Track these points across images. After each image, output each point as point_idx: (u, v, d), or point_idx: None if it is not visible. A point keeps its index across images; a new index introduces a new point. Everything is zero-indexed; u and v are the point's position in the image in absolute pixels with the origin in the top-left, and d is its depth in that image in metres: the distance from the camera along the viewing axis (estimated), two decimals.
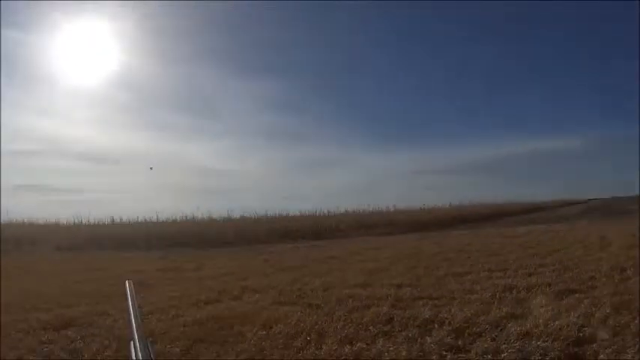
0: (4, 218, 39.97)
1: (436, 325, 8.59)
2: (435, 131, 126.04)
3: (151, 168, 65.91)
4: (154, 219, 47.04)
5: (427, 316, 9.17)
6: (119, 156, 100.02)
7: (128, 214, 47.40)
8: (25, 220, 43.21)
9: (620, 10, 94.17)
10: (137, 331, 2.32)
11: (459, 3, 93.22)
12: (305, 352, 7.76)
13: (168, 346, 8.29)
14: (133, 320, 2.45)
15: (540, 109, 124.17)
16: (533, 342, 7.33)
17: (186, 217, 47.95)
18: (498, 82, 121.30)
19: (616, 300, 9.57)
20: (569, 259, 15.51)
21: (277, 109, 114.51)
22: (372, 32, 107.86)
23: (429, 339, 7.82)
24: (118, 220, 46.64)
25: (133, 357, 2.15)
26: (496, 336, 7.83)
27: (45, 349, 8.58)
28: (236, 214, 50.20)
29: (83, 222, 45.39)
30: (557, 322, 8.18)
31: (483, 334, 7.98)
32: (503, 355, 6.96)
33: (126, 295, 2.87)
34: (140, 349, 2.11)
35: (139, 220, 47.18)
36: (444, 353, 7.24)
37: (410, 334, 8.17)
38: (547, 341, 7.29)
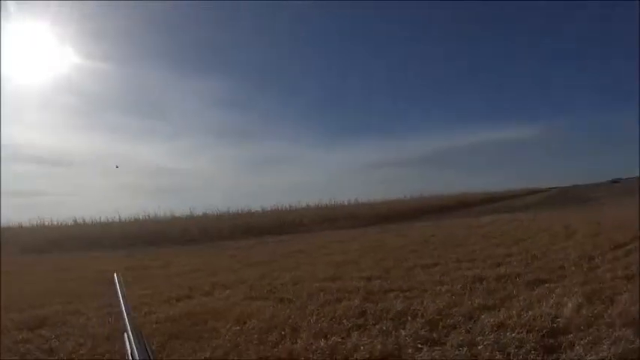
0: None
1: (409, 318, 8.55)
2: (386, 125, 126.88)
3: (117, 166, 65.49)
4: (116, 219, 46.73)
5: (400, 309, 9.13)
6: (72, 158, 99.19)
7: (89, 215, 46.99)
8: None
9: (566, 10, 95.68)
10: (129, 322, 2.26)
11: (400, 3, 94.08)
12: (280, 346, 7.66)
13: None
14: (125, 312, 2.39)
15: (493, 101, 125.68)
16: (508, 333, 7.31)
17: (148, 215, 47.72)
18: (449, 76, 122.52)
19: (587, 289, 9.63)
20: (536, 249, 15.60)
21: (225, 108, 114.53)
22: (315, 31, 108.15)
23: (403, 332, 7.77)
24: (81, 222, 46.16)
25: (128, 348, 2.09)
26: (470, 328, 7.81)
27: (21, 349, 8.47)
28: (198, 212, 50.02)
29: (46, 224, 44.93)
30: (530, 313, 8.20)
31: (457, 326, 7.95)
32: (479, 348, 6.93)
33: (115, 287, 2.81)
34: (134, 340, 2.05)
35: (102, 220, 46.83)
36: (420, 346, 7.18)
37: (384, 327, 8.12)
38: (522, 333, 7.26)
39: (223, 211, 50.62)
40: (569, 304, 8.56)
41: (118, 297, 2.64)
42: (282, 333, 8.24)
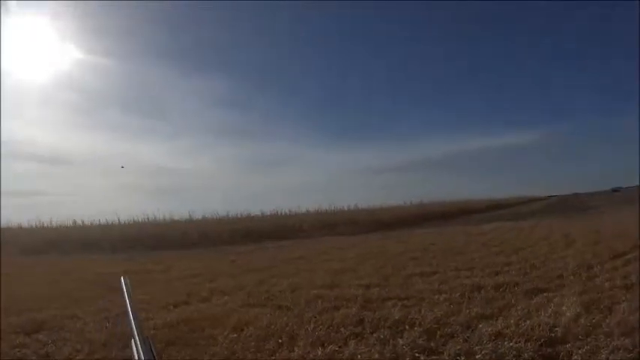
0: None
1: (407, 327, 8.54)
2: (387, 129, 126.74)
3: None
4: (116, 221, 46.60)
5: (397, 317, 9.11)
6: (72, 157, 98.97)
7: (88, 216, 46.84)
8: None
9: (566, 10, 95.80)
10: (137, 328, 2.24)
11: (402, 4, 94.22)
12: (277, 354, 7.66)
13: None
14: (132, 318, 2.37)
15: (494, 106, 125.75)
16: (506, 343, 7.30)
17: (147, 218, 47.55)
18: (450, 81, 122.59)
19: (585, 298, 9.61)
20: (535, 258, 15.59)
21: (225, 108, 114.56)
22: (316, 31, 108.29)
23: (401, 340, 7.76)
24: (80, 223, 46.03)
25: (135, 356, 2.08)
26: (468, 337, 7.80)
27: (18, 353, 8.46)
28: (197, 215, 49.88)
29: (45, 225, 44.79)
30: (528, 322, 8.18)
31: (455, 335, 7.94)
32: (477, 357, 6.91)
33: (122, 292, 2.78)
34: (142, 347, 2.04)
35: (101, 222, 46.70)
36: (417, 355, 7.17)
37: (381, 336, 8.10)
38: (520, 342, 7.25)
39: (223, 215, 50.60)
40: (568, 314, 8.55)
41: (125, 302, 2.61)
42: (280, 341, 8.23)
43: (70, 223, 45.62)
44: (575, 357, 6.65)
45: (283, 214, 53.29)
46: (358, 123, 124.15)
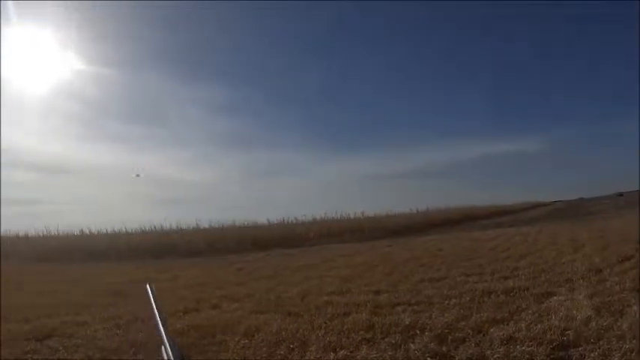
0: None
1: (418, 331, 8.55)
2: (392, 137, 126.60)
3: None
4: (122, 230, 46.57)
5: (408, 322, 9.12)
6: (75, 166, 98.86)
7: (95, 225, 46.82)
8: None
9: (567, 10, 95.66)
10: (166, 335, 2.26)
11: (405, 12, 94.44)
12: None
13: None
14: (161, 325, 2.39)
15: (497, 113, 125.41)
16: (518, 347, 7.31)
17: (154, 227, 47.49)
18: (455, 88, 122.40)
19: (596, 301, 9.60)
20: (544, 262, 15.56)
21: (229, 116, 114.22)
22: (321, 39, 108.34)
23: (412, 345, 7.77)
24: (87, 232, 46.01)
25: None
26: (479, 341, 7.81)
27: (30, 359, 8.50)
28: (204, 224, 49.77)
29: (52, 234, 44.76)
30: (539, 326, 8.19)
31: (467, 340, 7.95)
32: None
33: (148, 298, 2.81)
34: (172, 354, 2.07)
35: (107, 231, 46.68)
36: (429, 359, 7.19)
37: (393, 341, 8.12)
38: (532, 346, 7.26)
39: (229, 224, 50.51)
40: (579, 317, 8.55)
41: (152, 308, 2.65)
42: (291, 346, 8.26)
43: (76, 231, 45.65)
44: None
45: (289, 222, 53.16)
46: (363, 130, 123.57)
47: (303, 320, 9.97)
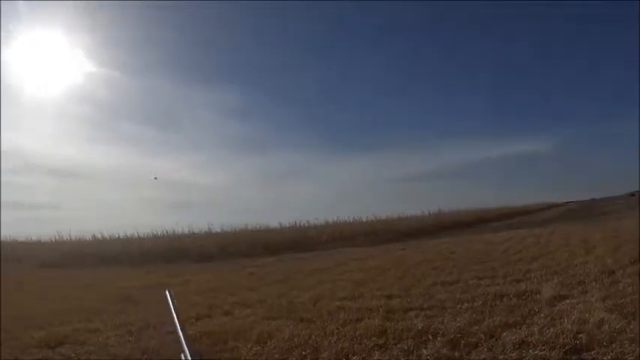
0: None
1: (430, 337, 8.54)
2: (404, 139, 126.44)
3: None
4: (134, 234, 46.60)
5: (420, 327, 9.11)
6: (88, 171, 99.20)
7: (107, 230, 46.86)
8: (6, 238, 42.60)
9: (579, 10, 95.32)
10: (186, 341, 2.29)
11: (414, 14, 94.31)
12: None
13: None
14: (180, 332, 2.42)
15: (509, 114, 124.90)
16: (531, 351, 7.30)
17: (166, 231, 47.49)
18: (462, 88, 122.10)
19: (609, 304, 9.58)
20: (556, 264, 15.51)
21: (241, 119, 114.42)
22: (333, 42, 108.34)
23: (425, 351, 7.79)
24: (99, 237, 46.05)
25: None
26: (492, 346, 7.80)
27: None
28: (216, 228, 49.72)
29: (64, 239, 44.81)
30: (552, 330, 8.17)
31: (479, 345, 7.94)
32: None
33: (167, 304, 2.84)
34: (191, 357, 2.09)
35: (120, 236, 46.70)
36: None
37: (405, 347, 8.12)
38: (544, 350, 7.26)
39: (241, 228, 50.46)
40: (591, 320, 8.52)
41: (171, 315, 2.68)
42: (303, 353, 8.26)
43: (88, 236, 45.73)
44: None
45: (301, 226, 53.07)
46: (374, 133, 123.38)
47: (316, 326, 9.96)
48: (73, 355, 9.14)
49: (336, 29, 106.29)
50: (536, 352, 7.23)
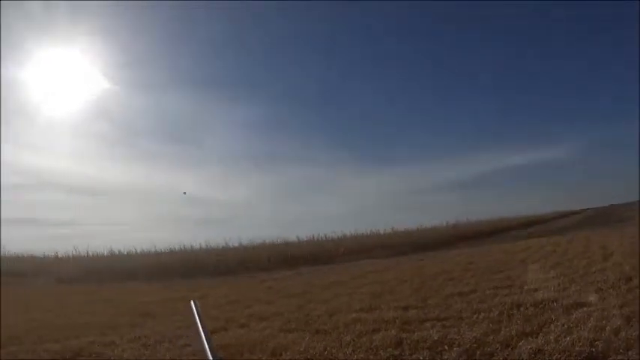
0: (3, 251, 39.76)
1: (446, 347, 8.54)
2: (421, 150, 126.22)
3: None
4: (152, 250, 46.70)
5: (436, 338, 9.11)
6: (107, 187, 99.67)
7: (125, 246, 47.02)
8: (24, 254, 42.84)
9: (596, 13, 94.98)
10: (211, 352, 2.31)
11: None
12: None
13: None
14: (205, 341, 2.44)
15: (524, 123, 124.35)
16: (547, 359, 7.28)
17: (184, 246, 47.55)
18: (482, 101, 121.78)
19: (626, 311, 9.52)
20: (574, 272, 15.41)
21: (258, 134, 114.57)
22: (351, 55, 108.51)
23: None
24: (117, 252, 46.22)
25: None
26: (508, 355, 7.79)
27: None
28: (234, 242, 49.76)
29: (82, 254, 44.98)
30: (568, 338, 8.14)
31: (495, 354, 7.94)
32: None
33: (193, 314, 2.88)
34: None
35: (138, 251, 46.84)
36: None
37: (421, 357, 8.14)
38: (560, 358, 7.24)
39: (259, 242, 50.47)
40: (608, 327, 8.48)
41: (197, 325, 2.71)
42: None
43: (105, 252, 45.93)
44: None
45: (319, 239, 53.03)
46: (390, 145, 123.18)
47: (331, 338, 9.99)
48: None
49: (347, 38, 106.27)
50: None
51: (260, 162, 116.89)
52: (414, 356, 8.22)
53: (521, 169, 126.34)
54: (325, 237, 52.89)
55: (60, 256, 44.12)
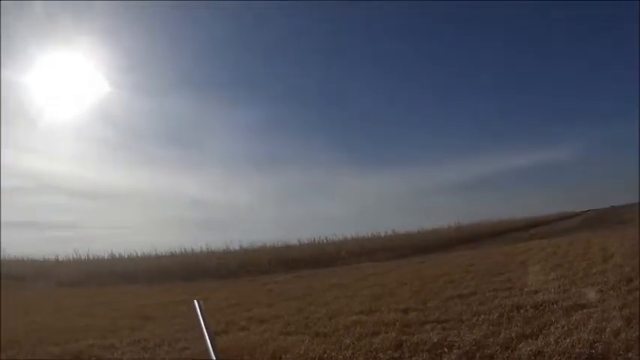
0: (3, 255, 39.73)
1: (446, 349, 8.55)
2: (416, 152, 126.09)
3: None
4: (153, 253, 46.71)
5: (436, 340, 9.11)
6: (109, 191, 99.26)
7: (126, 249, 46.99)
8: (25, 257, 42.83)
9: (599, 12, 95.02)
10: (214, 351, 2.31)
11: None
12: None
13: None
14: (209, 341, 2.44)
15: (524, 125, 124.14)
16: None
17: (185, 249, 47.58)
18: (483, 103, 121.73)
19: (626, 312, 9.52)
20: (574, 274, 15.40)
21: (260, 136, 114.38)
22: (350, 55, 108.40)
23: None
24: (117, 255, 46.22)
25: None
26: (507, 357, 7.79)
27: None
28: (235, 245, 49.77)
29: (82, 258, 44.95)
30: (568, 340, 8.13)
31: (494, 356, 7.96)
32: None
33: (197, 315, 2.87)
34: None
35: (138, 254, 46.85)
36: None
37: (420, 359, 8.12)
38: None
39: (260, 245, 50.49)
40: (608, 329, 8.48)
41: (200, 325, 2.71)
42: None
43: (106, 255, 45.92)
44: None
45: (320, 242, 53.03)
46: (390, 146, 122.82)
47: (331, 341, 10.00)
48: None
49: (347, 38, 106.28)
50: None
51: (261, 164, 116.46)
52: (413, 359, 8.24)
53: (524, 171, 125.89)
54: (326, 240, 52.85)
55: (60, 259, 44.08)
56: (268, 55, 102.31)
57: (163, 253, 46.22)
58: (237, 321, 13.36)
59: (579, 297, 11.86)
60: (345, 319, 12.10)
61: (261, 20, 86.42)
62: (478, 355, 8.04)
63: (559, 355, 7.43)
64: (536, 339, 8.57)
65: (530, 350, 7.90)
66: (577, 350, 7.52)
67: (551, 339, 8.33)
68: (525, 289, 13.83)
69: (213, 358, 2.19)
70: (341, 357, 8.68)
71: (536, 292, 13.32)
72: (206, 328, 2.60)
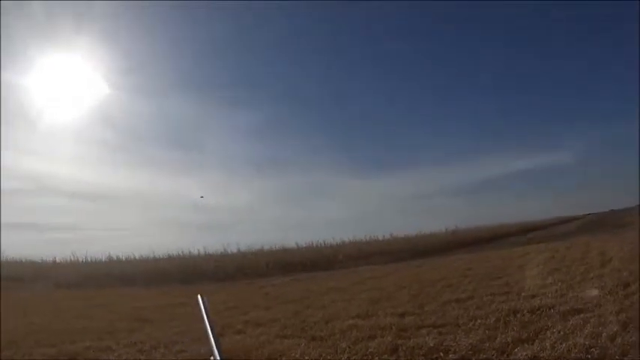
0: (2, 256, 39.70)
1: (442, 354, 8.54)
2: (421, 157, 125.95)
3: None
4: (151, 256, 46.66)
5: (432, 345, 9.12)
6: (108, 193, 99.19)
7: (124, 251, 46.94)
8: (23, 259, 42.81)
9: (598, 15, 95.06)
10: (217, 347, 2.30)
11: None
12: None
13: None
14: (212, 337, 2.42)
15: (523, 128, 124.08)
16: None
17: (182, 252, 47.55)
18: (482, 106, 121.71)
19: (622, 317, 9.50)
20: (571, 278, 15.38)
21: (261, 139, 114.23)
22: (352, 58, 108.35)
23: None
24: (115, 258, 46.21)
25: None
26: None
27: None
28: (232, 248, 49.75)
29: (80, 260, 44.94)
30: (564, 345, 8.12)
31: None
32: None
33: (200, 310, 2.87)
34: None
35: (136, 257, 46.81)
36: None
37: None
38: None
39: (257, 248, 50.48)
40: (604, 334, 8.46)
41: (203, 321, 2.70)
42: None
43: (104, 257, 45.90)
44: None
45: (318, 245, 53.01)
46: (389, 150, 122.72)
47: (327, 344, 9.99)
48: None
49: (347, 38, 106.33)
50: None
51: (261, 166, 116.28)
52: None
53: (524, 173, 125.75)
54: (324, 243, 52.86)
55: (58, 261, 44.08)
56: (268, 55, 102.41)
57: (161, 256, 46.21)
58: (234, 324, 13.35)
59: (576, 301, 11.85)
60: (342, 323, 12.09)
61: (261, 20, 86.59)
62: (474, 359, 8.01)
63: None
64: (532, 344, 8.57)
65: (526, 355, 7.89)
66: (573, 355, 7.53)
67: (547, 344, 8.33)
68: (522, 294, 13.83)
69: (216, 354, 2.17)
70: None
71: (533, 296, 13.31)
72: (210, 328, 2.59)
